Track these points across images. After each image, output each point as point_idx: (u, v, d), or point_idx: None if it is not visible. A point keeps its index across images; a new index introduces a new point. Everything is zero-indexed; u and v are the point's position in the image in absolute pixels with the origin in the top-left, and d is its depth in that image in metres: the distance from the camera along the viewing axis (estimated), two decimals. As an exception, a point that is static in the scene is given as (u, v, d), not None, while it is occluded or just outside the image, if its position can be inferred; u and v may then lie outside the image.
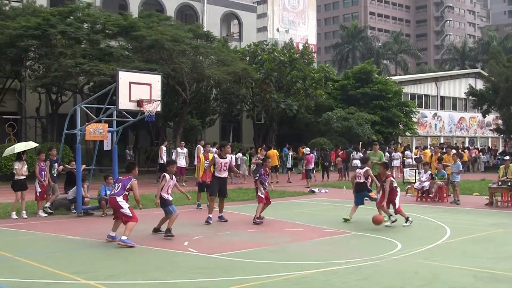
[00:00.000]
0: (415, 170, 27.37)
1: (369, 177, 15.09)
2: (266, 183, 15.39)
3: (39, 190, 16.25)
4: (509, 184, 19.19)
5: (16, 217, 15.66)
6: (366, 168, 15.17)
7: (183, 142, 28.45)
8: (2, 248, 11.22)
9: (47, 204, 16.78)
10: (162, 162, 26.60)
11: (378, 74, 51.88)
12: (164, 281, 8.71)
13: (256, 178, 15.70)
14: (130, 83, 14.99)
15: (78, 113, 16.97)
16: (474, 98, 50.21)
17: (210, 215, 14.79)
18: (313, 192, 24.33)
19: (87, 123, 16.95)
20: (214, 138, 39.42)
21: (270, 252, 11.02)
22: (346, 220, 14.90)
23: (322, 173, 31.99)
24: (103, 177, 17.84)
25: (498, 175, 20.13)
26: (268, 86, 39.11)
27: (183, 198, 19.87)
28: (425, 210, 18.08)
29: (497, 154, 49.42)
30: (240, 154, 31.13)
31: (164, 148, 27.96)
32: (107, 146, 18.69)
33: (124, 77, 15.05)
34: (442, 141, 54.17)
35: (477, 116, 59.64)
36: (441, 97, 59.58)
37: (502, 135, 53.79)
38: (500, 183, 19.58)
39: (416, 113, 50.49)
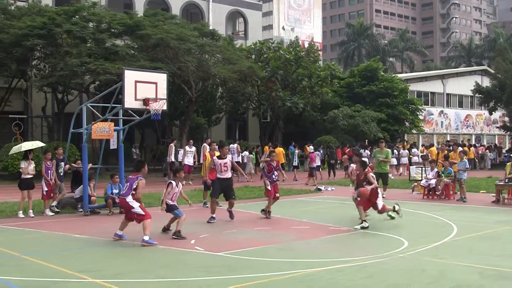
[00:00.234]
0: (422, 167, 27.32)
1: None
2: (273, 177, 15.69)
3: (45, 189, 16.30)
4: (516, 181, 19.14)
5: (23, 216, 15.71)
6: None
7: (191, 141, 28.52)
8: (10, 247, 11.26)
9: (54, 203, 16.83)
10: (171, 161, 27.18)
11: (384, 72, 51.80)
12: (170, 279, 8.73)
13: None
14: (136, 81, 15.00)
15: (84, 112, 16.99)
16: (480, 95, 49.97)
17: (213, 215, 14.78)
18: (320, 190, 24.31)
19: (93, 122, 16.96)
20: (220, 136, 39.45)
21: (277, 250, 11.02)
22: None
23: (328, 171, 31.97)
24: (110, 175, 17.88)
25: (505, 172, 20.06)
26: (274, 84, 39.10)
27: (190, 196, 19.95)
28: (431, 207, 18.05)
29: (504, 152, 49.22)
30: (246, 152, 31.18)
31: (174, 147, 28.13)
32: (113, 145, 18.73)
33: (130, 76, 15.06)
34: (448, 139, 54.01)
35: (484, 114, 59.43)
36: (447, 94, 59.42)
37: (508, 132, 53.60)
38: (507, 180, 19.50)
39: (422, 110, 50.34)
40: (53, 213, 16.44)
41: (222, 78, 33.48)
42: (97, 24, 30.82)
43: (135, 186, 11.77)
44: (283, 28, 66.68)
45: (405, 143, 43.49)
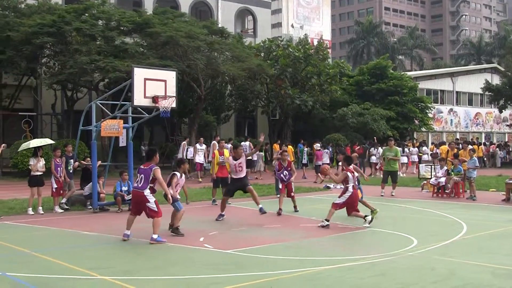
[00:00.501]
0: (431, 165, 27.23)
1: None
2: (281, 176, 16.30)
3: (55, 186, 16.37)
4: (526, 179, 19.03)
5: (33, 213, 15.79)
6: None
7: (202, 139, 28.58)
8: (19, 244, 11.31)
9: (63, 200, 16.90)
10: (180, 157, 27.14)
11: (393, 70, 51.61)
12: (179, 276, 8.74)
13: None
14: (145, 79, 15.01)
15: (93, 109, 17.05)
16: (490, 93, 49.75)
17: (222, 213, 14.78)
18: (329, 188, 24.30)
19: (102, 120, 17.01)
20: (229, 134, 39.47)
21: (285, 248, 11.01)
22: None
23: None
24: (119, 173, 17.95)
25: (515, 170, 19.97)
26: (283, 82, 39.07)
27: (200, 194, 20.02)
28: (441, 206, 17.98)
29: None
30: (255, 150, 31.13)
31: (186, 145, 28.23)
32: (122, 142, 18.79)
33: (139, 74, 15.08)
34: (458, 137, 53.83)
35: (494, 112, 59.15)
36: (457, 92, 59.16)
37: (518, 130, 53.39)
38: (517, 178, 19.43)
39: (431, 108, 50.09)
40: (62, 210, 16.52)
41: (231, 76, 33.48)
42: (106, 22, 30.86)
43: (152, 177, 11.36)
44: (292, 26, 66.60)
45: (414, 141, 43.30)
